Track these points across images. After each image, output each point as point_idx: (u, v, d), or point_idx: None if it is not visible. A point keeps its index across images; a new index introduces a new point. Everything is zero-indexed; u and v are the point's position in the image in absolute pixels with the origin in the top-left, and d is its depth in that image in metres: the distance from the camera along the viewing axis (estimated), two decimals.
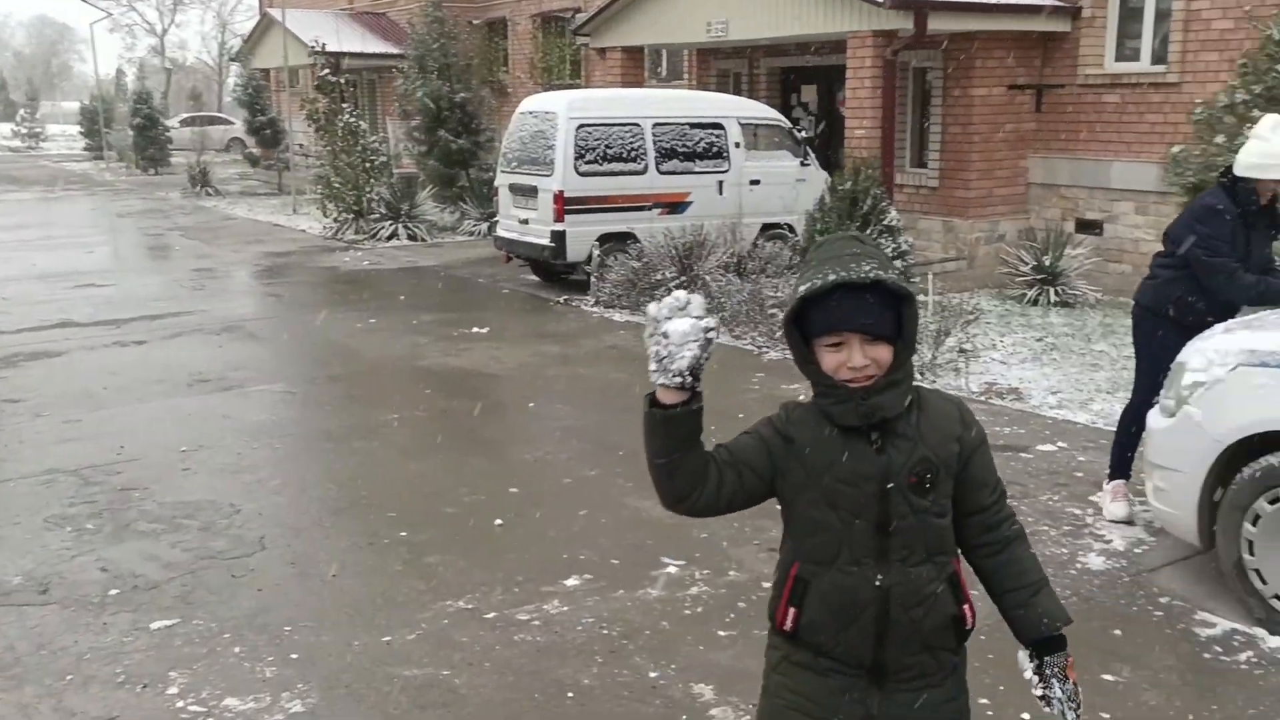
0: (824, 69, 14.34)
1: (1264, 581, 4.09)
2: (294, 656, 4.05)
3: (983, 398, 7.53)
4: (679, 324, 1.85)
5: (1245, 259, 4.88)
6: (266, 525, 5.31)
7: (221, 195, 23.53)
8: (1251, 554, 4.11)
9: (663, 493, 2.06)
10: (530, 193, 11.45)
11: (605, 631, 4.23)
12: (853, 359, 1.95)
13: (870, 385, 1.96)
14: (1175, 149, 8.09)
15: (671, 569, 4.78)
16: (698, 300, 1.88)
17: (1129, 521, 5.21)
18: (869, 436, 2.00)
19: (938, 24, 11.14)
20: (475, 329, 9.92)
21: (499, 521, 5.36)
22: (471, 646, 4.12)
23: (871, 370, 1.96)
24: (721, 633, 4.21)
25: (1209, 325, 4.79)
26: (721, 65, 16.20)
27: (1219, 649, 4.02)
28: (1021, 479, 5.87)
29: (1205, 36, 10.65)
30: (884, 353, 1.96)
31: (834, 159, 12.92)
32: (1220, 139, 7.62)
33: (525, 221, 11.54)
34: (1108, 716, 3.59)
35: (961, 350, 8.19)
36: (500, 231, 12.22)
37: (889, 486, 1.99)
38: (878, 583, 2.00)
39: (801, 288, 1.97)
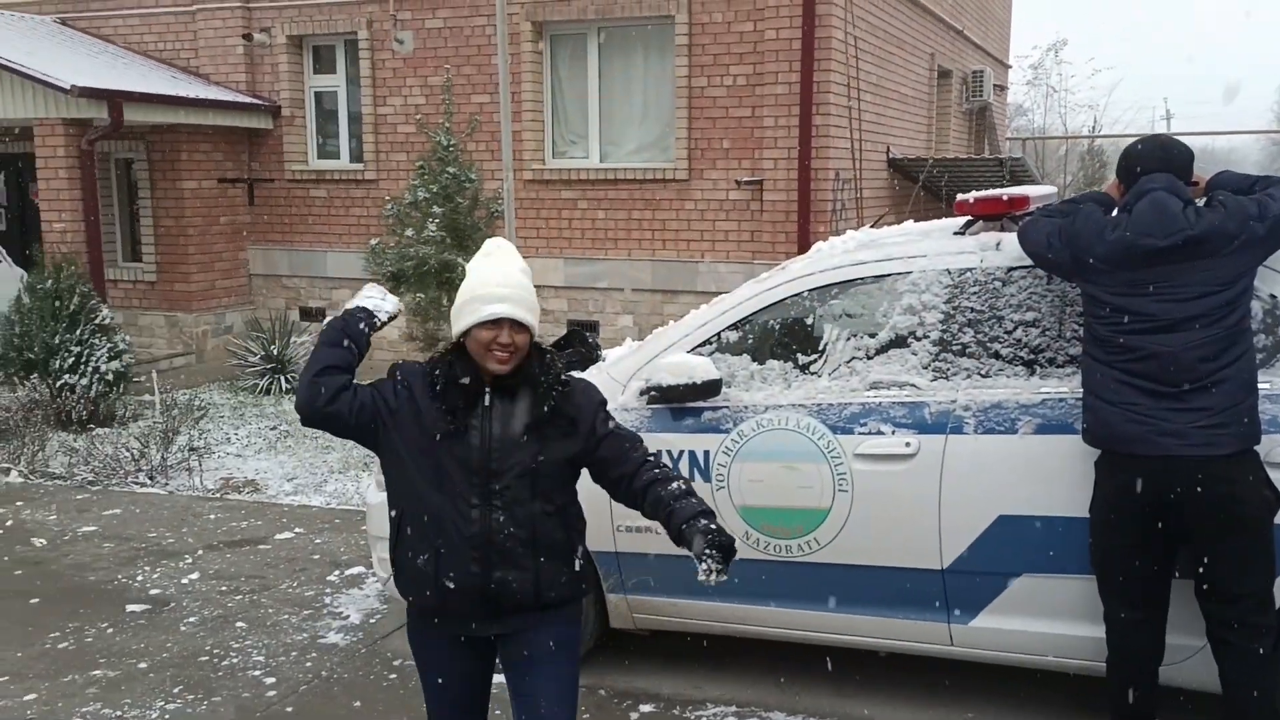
0: (11, 156, 13.04)
1: None
2: None
3: (219, 494, 7.42)
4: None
5: None
6: None
7: None
8: None
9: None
10: None
11: None
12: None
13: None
14: (374, 241, 8.82)
15: None
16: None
17: None
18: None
19: (135, 115, 10.80)
20: None
21: None
22: None
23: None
24: None
25: None
26: None
27: None
28: (262, 571, 5.89)
29: (393, 139, 11.81)
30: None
31: (34, 255, 11.79)
32: (410, 231, 8.49)
33: None
34: None
35: (193, 448, 7.99)
36: None
37: None
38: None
39: None
